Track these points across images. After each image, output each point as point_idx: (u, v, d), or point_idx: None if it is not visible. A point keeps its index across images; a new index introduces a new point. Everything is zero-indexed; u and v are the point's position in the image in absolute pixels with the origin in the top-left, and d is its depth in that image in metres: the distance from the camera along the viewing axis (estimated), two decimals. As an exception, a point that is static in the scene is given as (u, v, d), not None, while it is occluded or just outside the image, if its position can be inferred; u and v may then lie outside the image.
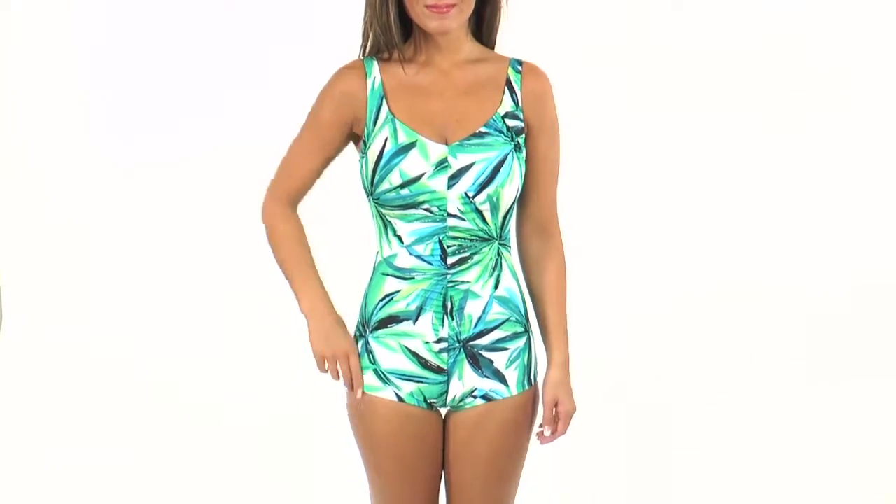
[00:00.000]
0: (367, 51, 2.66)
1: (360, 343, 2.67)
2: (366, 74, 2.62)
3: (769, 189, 4.50)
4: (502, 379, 2.64)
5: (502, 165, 2.58)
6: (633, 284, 4.47)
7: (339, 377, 2.65)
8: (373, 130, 2.60)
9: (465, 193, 2.57)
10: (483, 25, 2.66)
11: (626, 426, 4.38)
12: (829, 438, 4.36)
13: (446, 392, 2.64)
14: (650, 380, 4.43)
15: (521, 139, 2.62)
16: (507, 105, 2.62)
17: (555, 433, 2.72)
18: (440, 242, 2.60)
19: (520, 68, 2.66)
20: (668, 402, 4.39)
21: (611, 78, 4.45)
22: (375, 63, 2.64)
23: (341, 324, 2.66)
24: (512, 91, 2.64)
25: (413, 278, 2.61)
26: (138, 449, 4.36)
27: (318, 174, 2.71)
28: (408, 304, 2.62)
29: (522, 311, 2.69)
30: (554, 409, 2.70)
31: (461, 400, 2.65)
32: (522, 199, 2.69)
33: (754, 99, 4.45)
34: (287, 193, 2.70)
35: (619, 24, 4.46)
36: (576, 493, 4.26)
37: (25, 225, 4.48)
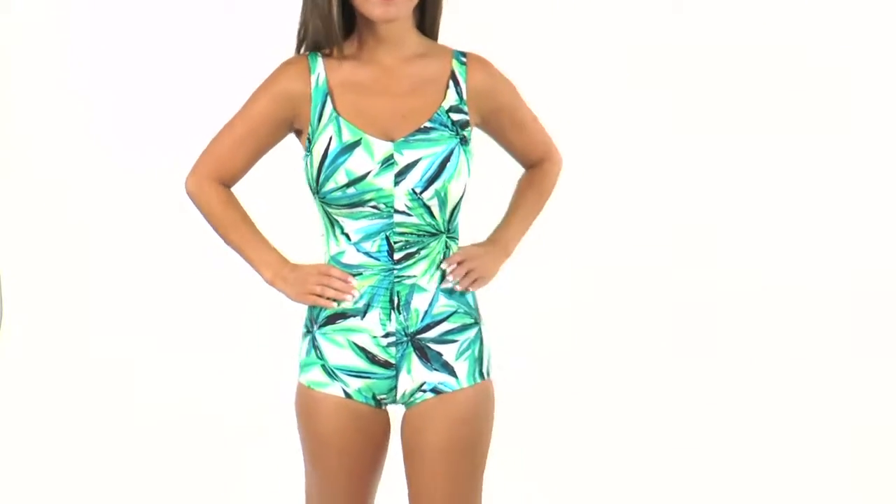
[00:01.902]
0: (306, 47, 2.59)
1: (308, 339, 2.64)
2: (309, 71, 2.57)
3: (768, 189, 4.48)
4: (451, 371, 2.60)
5: (449, 160, 2.55)
6: (635, 283, 4.47)
7: (335, 297, 2.58)
8: (317, 128, 2.55)
9: (413, 190, 2.54)
10: (426, 16, 2.61)
11: (624, 428, 4.39)
12: (827, 438, 4.37)
13: (395, 388, 2.62)
14: (646, 381, 4.43)
15: (466, 132, 2.59)
16: (451, 99, 2.59)
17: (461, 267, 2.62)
18: (387, 239, 2.57)
19: (464, 60, 2.62)
20: (665, 402, 4.40)
21: (611, 79, 4.44)
22: (320, 59, 2.58)
23: (294, 263, 2.64)
24: (457, 84, 2.60)
25: (361, 274, 2.59)
26: (138, 447, 4.34)
27: (248, 167, 2.65)
28: (356, 301, 2.60)
29: (472, 303, 2.66)
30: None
31: (411, 395, 2.62)
32: (516, 156, 2.75)
33: (754, 99, 4.44)
34: (216, 178, 2.64)
35: (620, 25, 4.44)
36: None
37: (25, 224, 4.43)
